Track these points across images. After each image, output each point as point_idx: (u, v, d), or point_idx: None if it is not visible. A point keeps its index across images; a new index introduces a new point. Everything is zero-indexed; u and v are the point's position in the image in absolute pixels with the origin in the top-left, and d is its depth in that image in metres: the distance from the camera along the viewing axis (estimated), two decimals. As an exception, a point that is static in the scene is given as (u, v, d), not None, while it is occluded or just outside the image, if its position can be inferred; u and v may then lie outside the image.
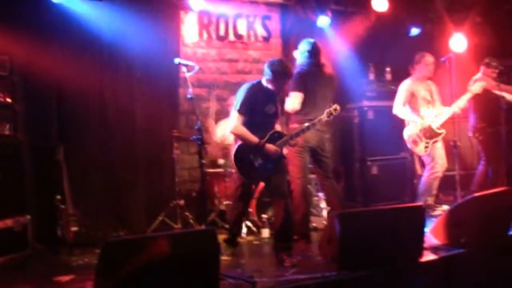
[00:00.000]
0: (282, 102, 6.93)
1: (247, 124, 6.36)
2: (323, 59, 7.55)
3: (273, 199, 6.66)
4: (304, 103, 7.25)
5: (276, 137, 6.45)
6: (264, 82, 6.49)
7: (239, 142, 6.40)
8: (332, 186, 7.49)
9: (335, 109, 6.64)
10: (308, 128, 6.61)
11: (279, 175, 6.51)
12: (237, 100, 6.45)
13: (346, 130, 9.69)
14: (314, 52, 7.41)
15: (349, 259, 5.35)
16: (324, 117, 6.63)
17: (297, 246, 6.81)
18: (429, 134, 8.39)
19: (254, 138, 6.29)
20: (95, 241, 7.11)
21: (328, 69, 7.58)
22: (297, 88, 7.24)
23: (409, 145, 8.60)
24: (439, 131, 8.40)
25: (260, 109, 6.41)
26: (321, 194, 8.44)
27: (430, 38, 10.40)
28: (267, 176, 6.45)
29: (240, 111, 6.35)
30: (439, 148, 8.53)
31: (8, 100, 7.03)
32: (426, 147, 8.40)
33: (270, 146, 6.32)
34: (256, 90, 6.43)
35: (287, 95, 7.17)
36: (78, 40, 7.83)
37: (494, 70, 8.69)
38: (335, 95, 7.48)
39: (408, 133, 8.57)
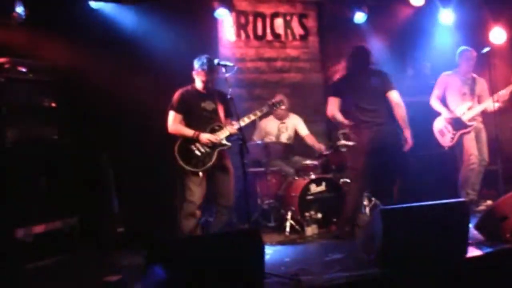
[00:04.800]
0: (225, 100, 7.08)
1: (187, 120, 6.84)
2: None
3: (219, 205, 7.04)
4: (350, 105, 7.35)
5: (216, 129, 6.86)
6: (196, 83, 6.96)
7: (181, 139, 6.80)
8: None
9: (279, 102, 7.34)
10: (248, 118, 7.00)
11: (226, 180, 7.00)
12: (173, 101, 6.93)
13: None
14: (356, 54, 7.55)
15: (392, 256, 5.35)
16: (264, 108, 7.14)
17: (341, 244, 6.86)
18: (457, 125, 8.32)
19: (189, 132, 6.71)
20: (141, 242, 7.20)
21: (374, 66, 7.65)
22: (333, 94, 7.37)
23: (436, 136, 8.56)
24: (469, 123, 8.32)
25: (196, 105, 6.84)
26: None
27: (469, 29, 10.29)
28: (211, 165, 6.79)
29: (175, 110, 6.85)
30: (472, 140, 8.42)
31: (53, 104, 7.18)
32: (452, 138, 8.34)
33: (203, 136, 6.72)
34: (189, 90, 6.91)
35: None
36: (117, 46, 7.97)
37: None
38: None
39: (436, 124, 8.55)
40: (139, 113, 8.04)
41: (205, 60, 6.77)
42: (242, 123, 6.67)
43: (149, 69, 8.22)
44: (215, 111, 6.91)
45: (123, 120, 8.01)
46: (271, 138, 8.86)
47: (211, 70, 6.77)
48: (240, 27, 9.51)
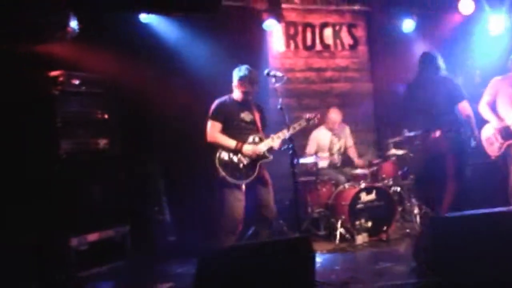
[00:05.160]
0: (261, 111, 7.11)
1: (225, 130, 6.76)
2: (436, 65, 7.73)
3: (262, 216, 6.96)
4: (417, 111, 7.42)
5: (257, 142, 6.79)
6: (234, 94, 6.88)
7: (221, 150, 6.71)
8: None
9: (314, 117, 6.97)
10: (288, 130, 6.65)
11: (267, 191, 6.92)
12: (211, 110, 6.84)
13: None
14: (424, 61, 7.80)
15: (443, 265, 5.32)
16: (302, 122, 6.89)
17: (391, 252, 6.85)
18: (506, 135, 8.10)
19: (231, 142, 6.65)
20: (191, 251, 7.25)
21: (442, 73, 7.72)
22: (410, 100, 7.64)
23: (484, 144, 8.34)
24: None
25: (235, 116, 6.78)
26: (414, 200, 8.39)
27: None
28: (254, 178, 6.74)
29: (214, 119, 6.77)
30: None
31: (105, 116, 7.31)
32: (500, 148, 8.12)
33: (246, 148, 6.66)
34: (227, 100, 6.85)
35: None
36: (165, 58, 8.12)
37: None
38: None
39: (484, 133, 8.34)
40: (188, 124, 8.11)
41: (246, 72, 6.75)
42: (282, 136, 6.67)
43: (198, 81, 8.25)
44: (254, 122, 6.89)
45: (171, 130, 8.13)
46: (324, 150, 8.89)
47: (251, 81, 6.75)
48: (290, 37, 9.57)
